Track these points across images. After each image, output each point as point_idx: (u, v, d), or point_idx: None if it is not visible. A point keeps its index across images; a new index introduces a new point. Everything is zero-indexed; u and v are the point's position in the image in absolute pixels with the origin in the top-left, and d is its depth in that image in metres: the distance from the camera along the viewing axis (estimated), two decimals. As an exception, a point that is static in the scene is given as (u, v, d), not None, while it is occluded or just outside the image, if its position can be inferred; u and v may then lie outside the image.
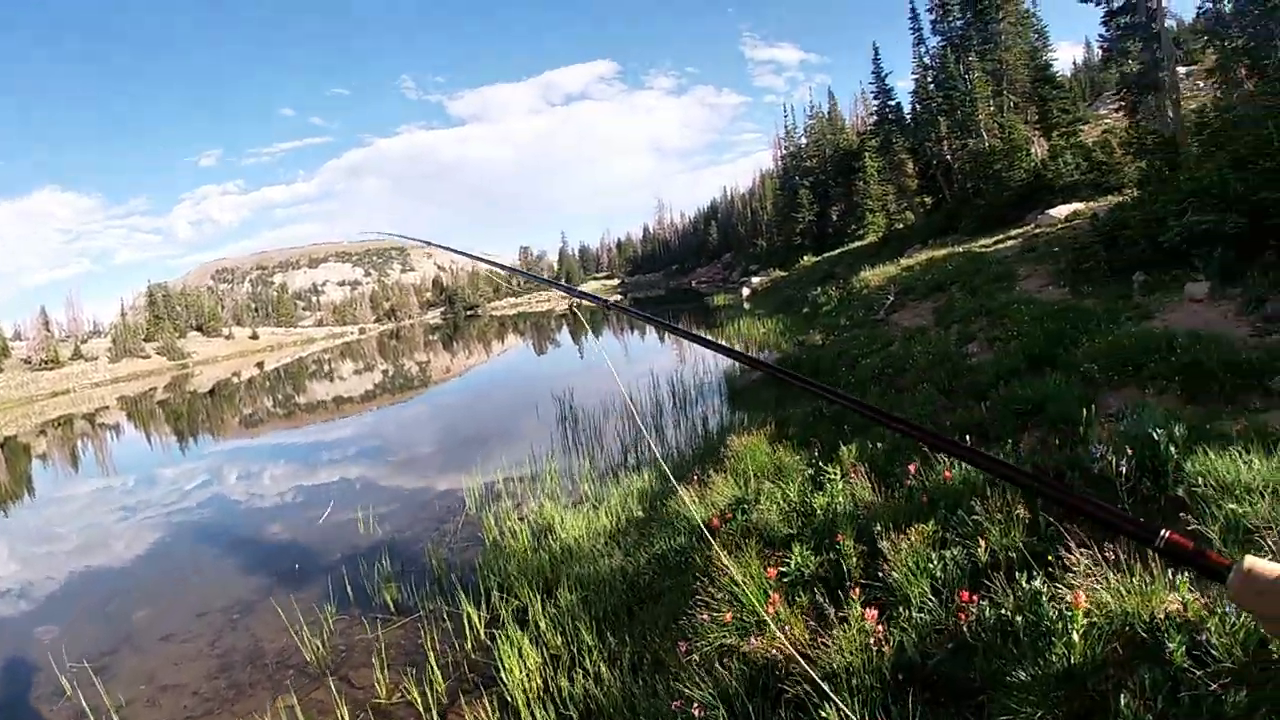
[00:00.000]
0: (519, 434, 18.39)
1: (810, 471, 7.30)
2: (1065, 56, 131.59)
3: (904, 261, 30.18)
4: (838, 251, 54.98)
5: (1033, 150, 36.11)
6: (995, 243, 26.79)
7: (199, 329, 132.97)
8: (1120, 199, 20.74)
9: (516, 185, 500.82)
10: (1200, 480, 4.55)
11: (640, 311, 2.65)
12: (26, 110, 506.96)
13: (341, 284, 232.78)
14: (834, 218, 69.34)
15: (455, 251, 3.77)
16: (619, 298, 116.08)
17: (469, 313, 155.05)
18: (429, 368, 53.78)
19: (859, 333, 18.71)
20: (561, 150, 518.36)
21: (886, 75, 52.13)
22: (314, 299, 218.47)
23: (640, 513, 9.55)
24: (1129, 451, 4.90)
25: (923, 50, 46.87)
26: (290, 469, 21.61)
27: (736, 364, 18.69)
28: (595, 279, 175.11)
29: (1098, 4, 26.06)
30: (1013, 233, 27.81)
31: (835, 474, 6.52)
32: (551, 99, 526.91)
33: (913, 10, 46.51)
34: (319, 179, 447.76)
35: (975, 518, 4.76)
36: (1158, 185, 16.61)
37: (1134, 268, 13.42)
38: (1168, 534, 0.94)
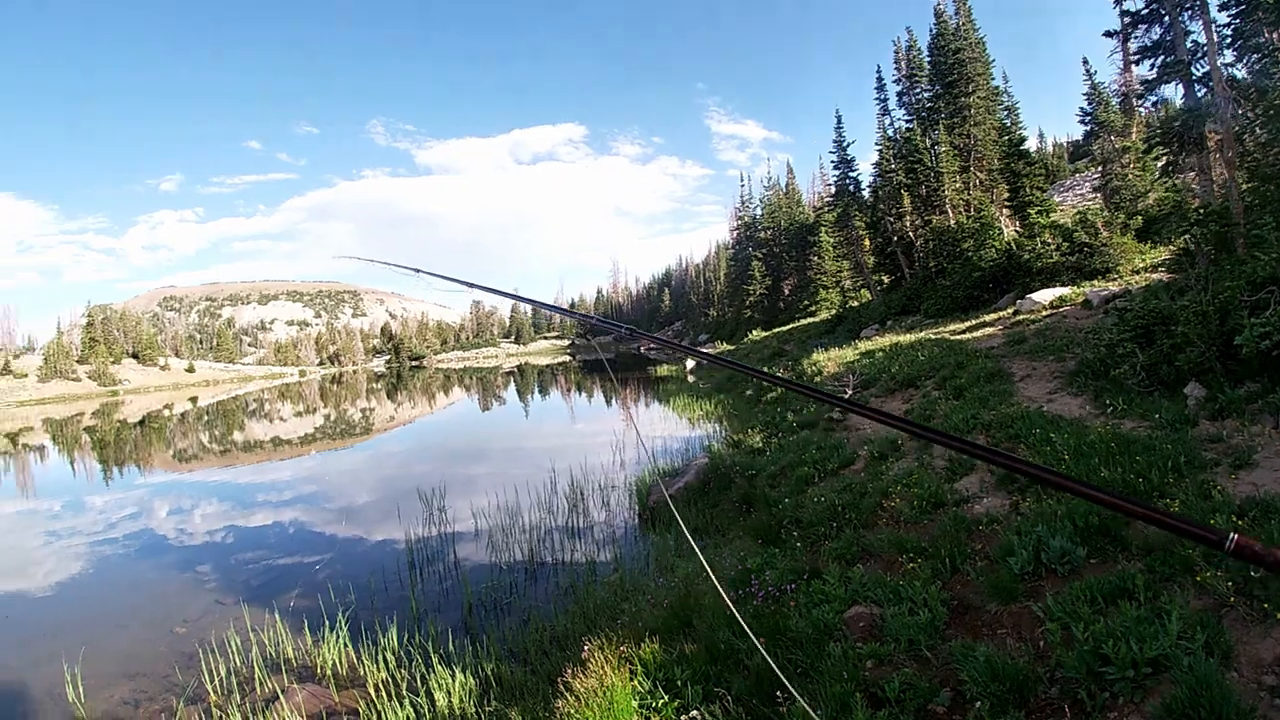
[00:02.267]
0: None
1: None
2: (1030, 143, 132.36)
3: (862, 345, 26.72)
4: (788, 327, 52.50)
5: (1003, 229, 33.29)
6: (969, 329, 23.55)
7: (135, 356, 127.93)
8: (1109, 284, 17.35)
9: (476, 238, 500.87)
10: None
11: (728, 360, 2.22)
12: None
13: (290, 323, 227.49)
14: (786, 292, 67.09)
15: (458, 281, 3.50)
16: (567, 359, 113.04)
17: (414, 363, 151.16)
18: (372, 415, 49.83)
19: (809, 436, 14.81)
20: (524, 208, 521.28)
21: (849, 145, 49.36)
22: (259, 335, 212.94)
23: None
24: None
25: (887, 121, 44.57)
26: (221, 508, 20.46)
27: (649, 471, 15.70)
28: (545, 339, 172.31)
29: (1126, 39, 22.04)
30: (987, 318, 24.65)
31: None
32: (519, 157, 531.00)
33: (879, 80, 44.18)
34: (280, 216, 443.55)
35: None
36: (1216, 266, 13.03)
37: (1185, 376, 9.86)
38: (1236, 537, 0.96)
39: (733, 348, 54.61)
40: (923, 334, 25.22)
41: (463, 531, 13.85)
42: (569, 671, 6.19)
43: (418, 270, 3.90)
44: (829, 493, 9.85)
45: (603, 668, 5.93)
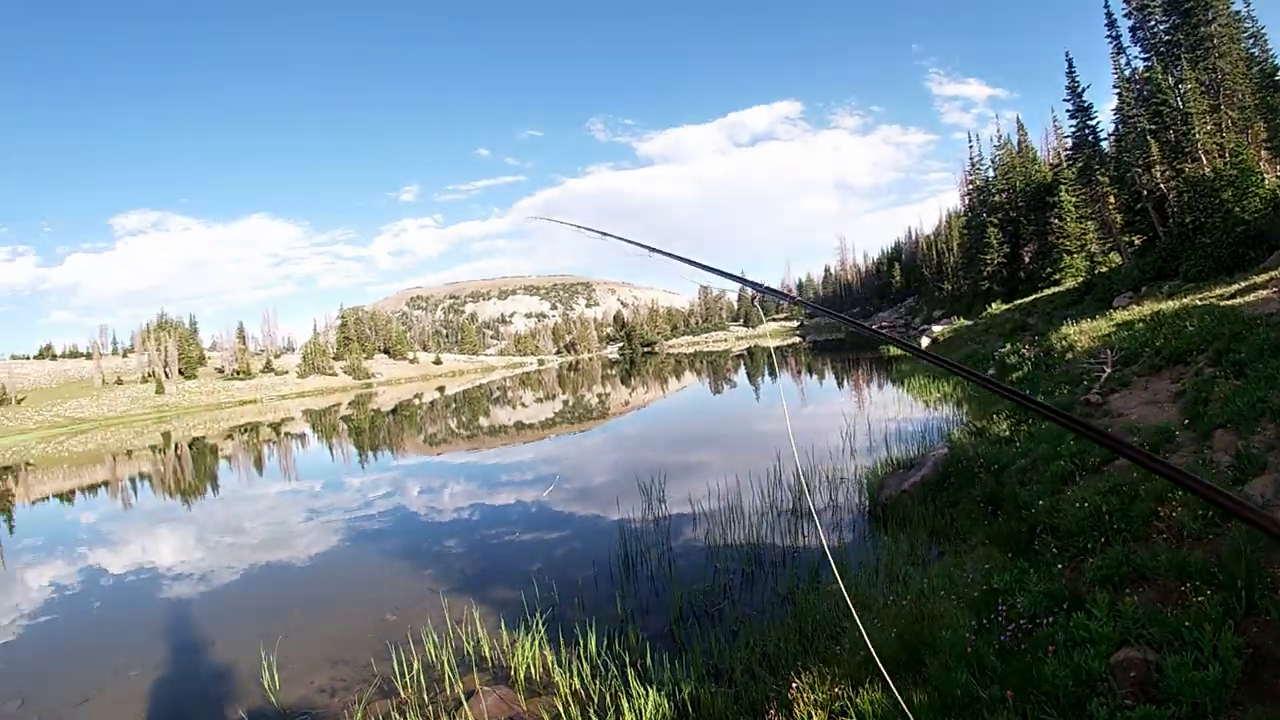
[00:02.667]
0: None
1: None
2: None
3: (1117, 315, 23.45)
4: (1030, 298, 47.87)
5: (1263, 176, 28.88)
6: (1237, 292, 20.13)
7: (386, 351, 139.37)
8: None
9: (700, 224, 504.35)
10: None
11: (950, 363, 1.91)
12: (240, 140, 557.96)
13: (528, 315, 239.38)
14: (1025, 260, 61.16)
15: (690, 263, 3.22)
16: (797, 340, 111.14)
17: (646, 349, 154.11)
18: (608, 400, 51.51)
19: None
20: (746, 190, 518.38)
21: (1084, 90, 44.15)
22: (501, 329, 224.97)
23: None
24: None
25: (1123, 62, 39.01)
26: (468, 488, 21.38)
27: (881, 463, 14.16)
28: (775, 320, 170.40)
29: None
30: (1257, 279, 20.74)
31: None
32: (737, 139, 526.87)
33: (1108, 14, 38.85)
34: (511, 216, 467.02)
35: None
36: None
37: None
38: None
39: (970, 323, 50.99)
40: (1185, 300, 21.98)
41: (680, 523, 13.10)
42: (772, 710, 5.28)
43: (653, 249, 3.79)
44: (1091, 494, 7.77)
45: (810, 714, 5.09)
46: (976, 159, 71.34)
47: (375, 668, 8.50)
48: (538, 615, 8.62)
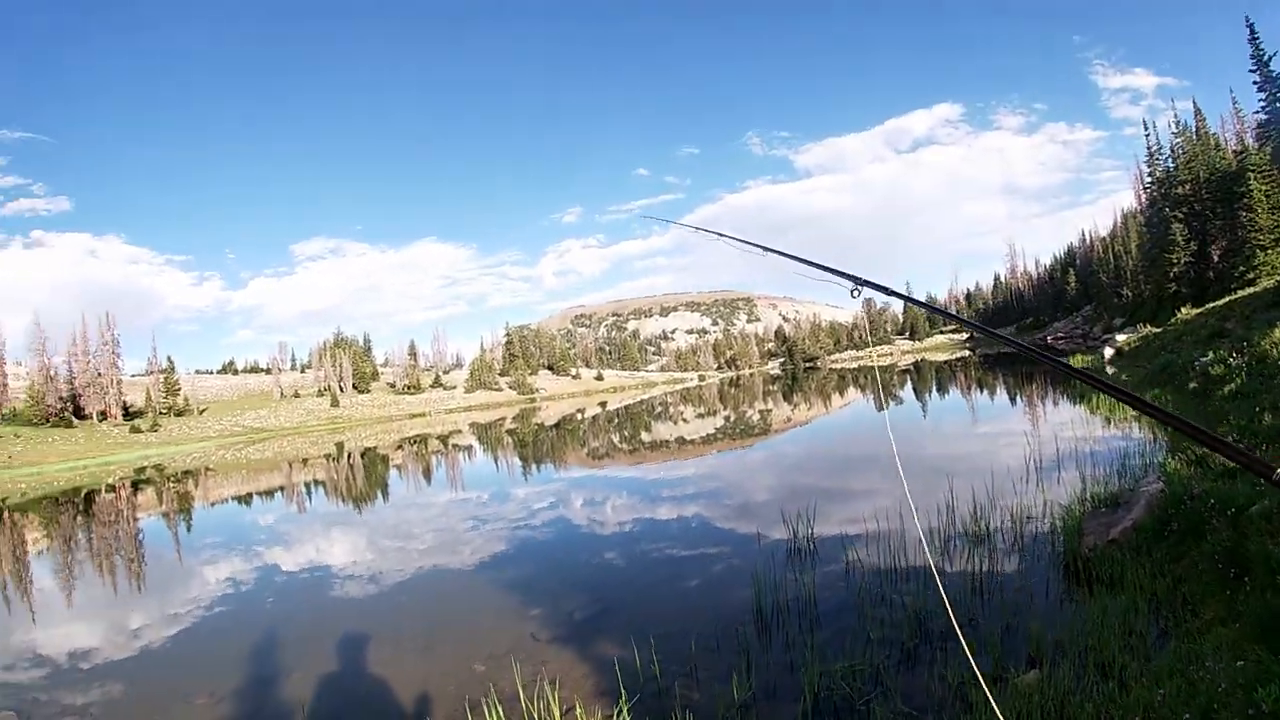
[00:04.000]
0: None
1: None
2: None
3: None
4: (1224, 301, 42.30)
5: None
6: None
7: (549, 368, 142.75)
8: None
9: (860, 234, 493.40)
10: None
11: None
12: (410, 167, 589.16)
13: (690, 331, 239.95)
14: (1215, 259, 54.79)
15: (804, 261, 3.33)
16: (966, 353, 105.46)
17: (808, 364, 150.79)
18: (769, 417, 49.48)
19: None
20: (907, 197, 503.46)
21: (1270, 58, 38.46)
22: (662, 344, 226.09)
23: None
24: None
25: None
26: (629, 502, 20.97)
27: (1077, 499, 10.97)
28: (942, 333, 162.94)
29: None
30: None
31: None
32: (897, 145, 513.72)
33: None
34: (672, 234, 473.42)
35: None
36: None
37: None
38: None
39: (1158, 330, 46.00)
40: None
41: (828, 571, 10.76)
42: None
43: (720, 235, 4.12)
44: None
45: None
46: (1155, 148, 64.41)
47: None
48: (639, 681, 7.06)
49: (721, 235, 4.18)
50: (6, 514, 34.22)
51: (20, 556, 22.13)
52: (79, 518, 30.87)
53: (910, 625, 7.96)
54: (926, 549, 10.45)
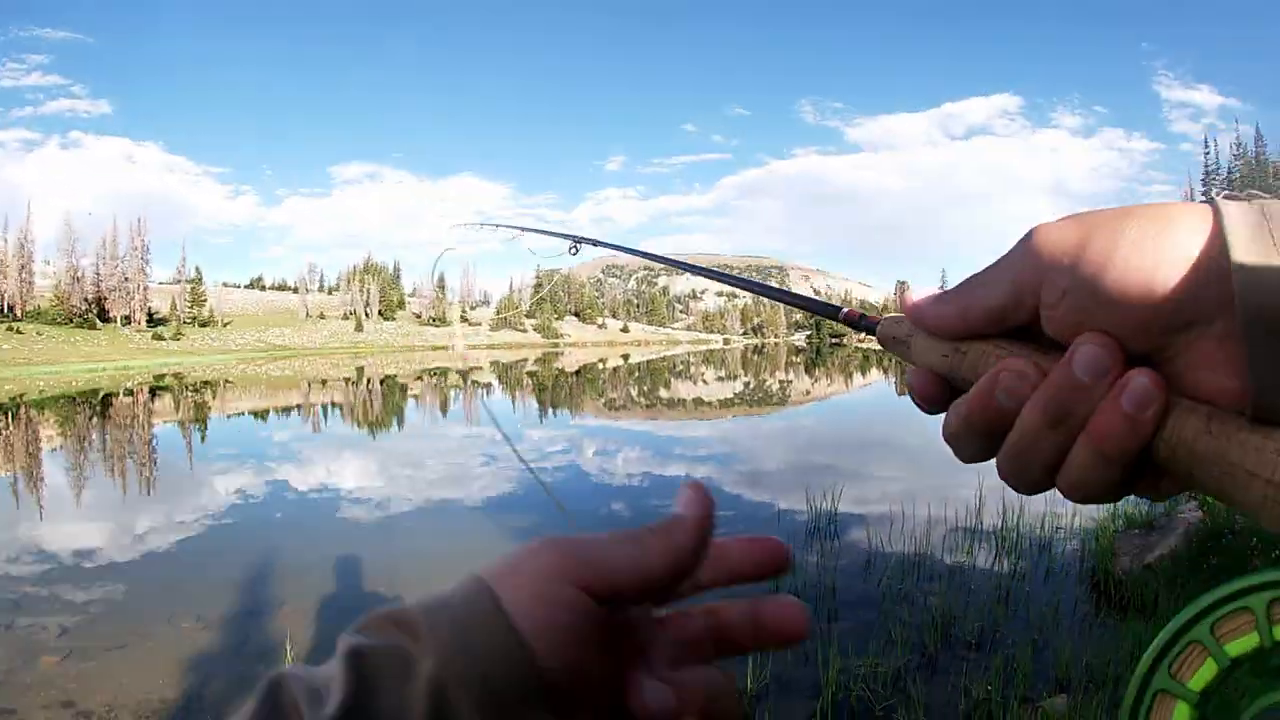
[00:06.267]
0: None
1: None
2: None
3: None
4: None
5: None
6: None
7: (576, 314, 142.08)
8: None
9: (902, 217, 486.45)
10: None
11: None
12: (454, 100, 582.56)
13: (719, 294, 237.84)
14: None
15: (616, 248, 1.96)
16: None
17: (834, 340, 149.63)
18: (789, 388, 49.84)
19: None
20: (954, 185, 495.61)
21: None
22: (691, 304, 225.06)
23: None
24: None
25: None
26: (642, 455, 20.70)
27: (1110, 518, 10.04)
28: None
29: None
30: None
31: None
32: (951, 131, 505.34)
33: None
34: (714, 194, 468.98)
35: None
36: None
37: None
38: (846, 310, 0.89)
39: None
40: None
41: (847, 561, 10.24)
42: None
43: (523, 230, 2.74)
44: None
45: None
46: (1213, 166, 62.48)
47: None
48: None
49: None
50: (24, 410, 34.38)
51: (34, 453, 22.05)
52: (95, 419, 30.91)
53: (934, 629, 7.44)
54: (951, 549, 10.09)
